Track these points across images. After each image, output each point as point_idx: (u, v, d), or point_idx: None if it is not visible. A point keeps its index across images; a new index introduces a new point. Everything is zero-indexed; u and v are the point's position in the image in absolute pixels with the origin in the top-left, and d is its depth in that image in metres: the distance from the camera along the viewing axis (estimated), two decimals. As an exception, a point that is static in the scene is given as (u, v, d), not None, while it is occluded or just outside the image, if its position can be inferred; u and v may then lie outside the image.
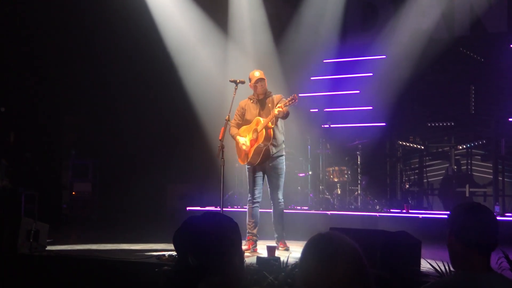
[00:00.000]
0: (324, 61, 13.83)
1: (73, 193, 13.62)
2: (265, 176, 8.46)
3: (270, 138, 8.18)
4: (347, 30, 13.79)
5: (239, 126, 8.52)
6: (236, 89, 8.25)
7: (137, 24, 13.07)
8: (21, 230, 7.71)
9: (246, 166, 8.49)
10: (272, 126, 8.17)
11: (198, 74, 13.34)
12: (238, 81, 8.27)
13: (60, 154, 14.19)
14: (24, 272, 7.34)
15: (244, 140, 8.32)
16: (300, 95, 13.49)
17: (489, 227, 3.16)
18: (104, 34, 13.51)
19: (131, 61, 13.60)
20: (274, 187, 8.39)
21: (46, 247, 8.08)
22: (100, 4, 12.78)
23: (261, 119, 8.21)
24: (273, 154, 8.30)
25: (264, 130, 8.12)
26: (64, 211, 13.51)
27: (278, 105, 8.03)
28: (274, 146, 8.29)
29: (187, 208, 12.24)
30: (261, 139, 8.15)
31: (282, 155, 8.43)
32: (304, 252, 2.33)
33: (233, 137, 8.50)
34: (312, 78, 13.89)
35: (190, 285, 2.46)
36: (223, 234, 2.55)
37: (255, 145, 8.19)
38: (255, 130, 8.22)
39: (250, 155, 8.23)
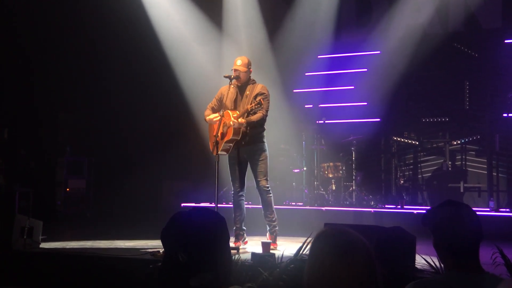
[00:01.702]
0: (319, 56, 13.83)
1: (68, 190, 13.59)
2: (247, 165, 8.34)
3: (239, 133, 8.05)
4: (341, 26, 13.78)
5: (214, 110, 8.40)
6: (230, 84, 8.21)
7: (132, 21, 13.05)
8: (15, 227, 7.69)
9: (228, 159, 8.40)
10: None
11: (193, 70, 13.33)
12: (232, 76, 8.20)
13: (55, 151, 14.15)
14: (18, 269, 7.32)
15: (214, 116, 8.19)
16: (295, 91, 13.68)
17: (470, 227, 3.12)
18: (99, 31, 13.47)
19: (126, 58, 13.58)
20: (256, 175, 8.19)
21: (40, 244, 8.05)
22: (95, 1, 12.75)
23: (231, 114, 8.05)
24: (249, 143, 8.14)
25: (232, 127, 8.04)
26: (59, 208, 13.47)
27: (234, 115, 7.90)
28: (250, 135, 8.11)
29: (182, 204, 12.21)
30: (230, 135, 8.07)
31: (260, 142, 8.20)
32: (319, 245, 2.29)
33: (205, 119, 8.39)
34: (306, 74, 13.90)
35: (181, 281, 2.45)
36: (213, 230, 2.54)
37: (225, 139, 8.10)
38: (225, 124, 8.13)
39: (220, 147, 8.12)
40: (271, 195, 8.26)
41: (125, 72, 13.75)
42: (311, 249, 2.33)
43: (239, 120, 7.84)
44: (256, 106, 7.80)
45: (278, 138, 11.97)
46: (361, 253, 2.23)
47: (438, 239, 3.16)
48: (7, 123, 12.62)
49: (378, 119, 13.14)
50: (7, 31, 12.89)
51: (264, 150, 8.22)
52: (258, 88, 8.18)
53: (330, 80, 13.79)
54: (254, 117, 7.97)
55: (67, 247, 8.38)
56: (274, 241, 8.17)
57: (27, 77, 13.27)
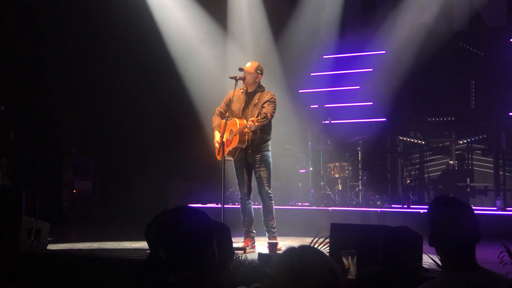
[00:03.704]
0: (324, 56, 13.83)
1: (74, 191, 13.62)
2: (252, 170, 8.30)
3: (245, 142, 8.05)
4: (346, 26, 13.80)
5: (222, 115, 8.39)
6: (236, 85, 8.19)
7: (137, 22, 13.06)
8: (22, 228, 7.72)
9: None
10: (248, 131, 8.05)
11: (198, 71, 13.33)
12: (238, 77, 8.17)
13: (61, 152, 14.17)
14: (25, 270, 7.34)
15: (219, 138, 8.19)
16: (300, 91, 13.68)
17: (464, 227, 3.10)
18: (104, 32, 13.48)
19: (131, 59, 13.58)
20: (259, 181, 8.19)
21: (47, 245, 8.08)
22: (100, 2, 12.77)
23: (238, 122, 8.09)
24: (255, 149, 8.14)
25: (238, 135, 8.05)
26: (65, 209, 13.51)
27: (251, 118, 7.85)
28: (256, 144, 8.15)
29: (188, 205, 12.19)
30: (235, 143, 8.07)
31: (265, 150, 8.20)
32: (276, 266, 2.29)
33: (212, 129, 8.42)
34: (312, 74, 13.90)
35: (160, 278, 2.47)
36: (194, 228, 2.55)
37: (230, 147, 8.11)
38: (231, 132, 8.14)
39: (225, 153, 8.11)
40: (273, 201, 8.30)
41: (130, 73, 13.75)
42: (272, 268, 2.32)
43: (256, 123, 7.78)
44: (262, 120, 7.75)
45: (284, 139, 11.97)
46: (315, 273, 2.20)
47: (433, 238, 3.16)
48: (13, 125, 12.64)
49: (384, 119, 13.13)
50: (12, 32, 12.91)
51: (269, 157, 8.22)
52: (266, 96, 8.14)
53: (336, 80, 13.78)
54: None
55: (74, 248, 8.41)
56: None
57: (33, 79, 13.28)
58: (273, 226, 8.25)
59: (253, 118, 7.76)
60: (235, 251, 5.70)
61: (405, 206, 11.35)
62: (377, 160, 13.42)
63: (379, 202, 11.72)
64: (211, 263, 2.58)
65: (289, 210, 11.40)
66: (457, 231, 3.07)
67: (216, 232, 2.73)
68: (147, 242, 2.58)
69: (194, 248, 2.51)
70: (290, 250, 2.30)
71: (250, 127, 7.84)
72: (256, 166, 8.17)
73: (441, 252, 3.14)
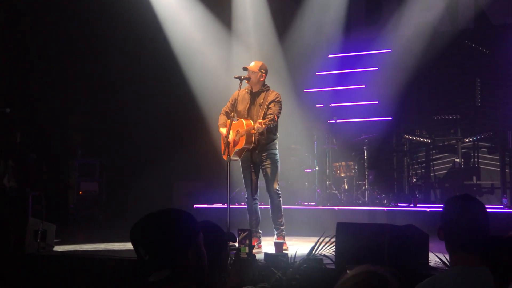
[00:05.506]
0: (329, 56, 13.82)
1: (80, 193, 13.62)
2: (260, 169, 8.29)
3: (252, 143, 8.02)
4: (351, 25, 13.77)
5: (227, 115, 8.36)
6: (241, 85, 8.18)
7: (141, 23, 13.06)
8: (28, 230, 7.71)
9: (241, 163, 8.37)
10: (255, 132, 8.02)
11: (203, 71, 13.33)
12: (242, 77, 8.16)
13: (67, 154, 14.18)
14: (31, 272, 7.34)
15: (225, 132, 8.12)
16: (305, 90, 13.66)
17: (474, 226, 3.11)
18: (109, 34, 13.51)
19: (136, 60, 13.60)
20: (267, 179, 8.18)
21: (53, 247, 8.08)
22: (105, 3, 12.78)
23: (244, 123, 8.06)
24: (262, 149, 8.13)
25: (245, 136, 8.01)
26: (71, 211, 13.51)
27: (259, 121, 7.80)
28: (263, 144, 8.11)
29: (194, 206, 12.23)
30: (242, 144, 8.04)
31: (272, 149, 8.19)
32: None
33: (219, 127, 8.38)
34: (317, 73, 13.89)
35: (142, 278, 2.48)
36: (175, 228, 2.54)
37: (236, 148, 8.09)
38: (238, 132, 8.13)
39: (231, 154, 8.08)
40: (281, 199, 8.29)
41: (135, 74, 13.78)
42: None
43: (263, 125, 7.74)
44: (270, 122, 7.72)
45: (289, 138, 11.96)
46: None
47: (442, 230, 3.18)
48: (19, 127, 12.66)
49: (390, 118, 13.11)
50: (17, 35, 12.94)
51: (276, 155, 8.21)
52: (271, 96, 8.11)
53: (341, 79, 13.76)
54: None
55: (81, 250, 8.41)
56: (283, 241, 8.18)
57: (38, 81, 13.31)
58: (282, 223, 8.24)
59: (260, 120, 7.73)
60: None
61: (412, 205, 11.32)
62: (383, 159, 13.39)
63: (385, 201, 11.69)
64: (192, 262, 2.56)
65: (295, 210, 11.37)
66: (467, 225, 3.09)
67: (206, 234, 2.74)
68: (132, 244, 2.59)
69: (173, 247, 2.51)
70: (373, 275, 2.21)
71: (258, 129, 7.82)
72: (263, 163, 8.16)
73: (449, 246, 3.15)
